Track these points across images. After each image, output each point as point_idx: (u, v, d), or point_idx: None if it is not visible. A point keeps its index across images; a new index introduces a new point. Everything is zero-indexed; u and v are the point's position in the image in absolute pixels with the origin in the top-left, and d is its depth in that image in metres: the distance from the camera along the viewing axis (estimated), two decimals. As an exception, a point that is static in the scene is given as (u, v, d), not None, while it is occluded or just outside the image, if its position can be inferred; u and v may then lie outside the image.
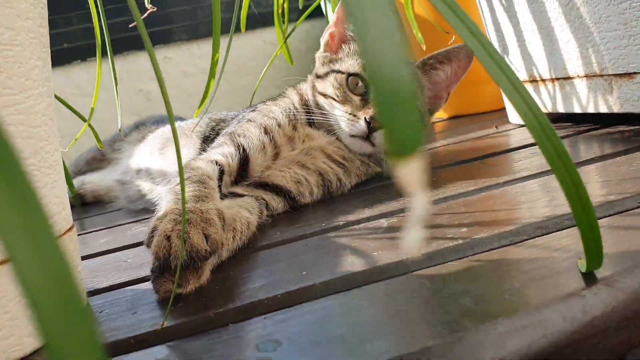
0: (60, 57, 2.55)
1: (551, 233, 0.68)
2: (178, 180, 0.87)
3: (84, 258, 1.00)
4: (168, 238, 0.67)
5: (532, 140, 1.23)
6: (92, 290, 0.79)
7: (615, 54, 1.10)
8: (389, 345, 0.47)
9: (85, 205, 1.67)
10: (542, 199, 0.82)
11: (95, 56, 1.09)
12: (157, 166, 1.31)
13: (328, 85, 1.15)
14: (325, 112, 1.15)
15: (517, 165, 1.05)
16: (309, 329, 0.54)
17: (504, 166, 1.08)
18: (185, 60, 2.83)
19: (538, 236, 0.68)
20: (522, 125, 1.48)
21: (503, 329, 0.47)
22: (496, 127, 1.54)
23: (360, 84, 1.12)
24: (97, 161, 1.79)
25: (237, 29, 2.86)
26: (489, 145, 1.33)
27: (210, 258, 0.72)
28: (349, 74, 1.13)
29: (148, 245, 0.70)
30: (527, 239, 0.68)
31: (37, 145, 0.64)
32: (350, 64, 1.15)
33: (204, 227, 0.70)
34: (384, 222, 0.84)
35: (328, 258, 0.73)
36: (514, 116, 1.53)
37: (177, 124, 1.44)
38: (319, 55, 1.22)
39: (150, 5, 1.11)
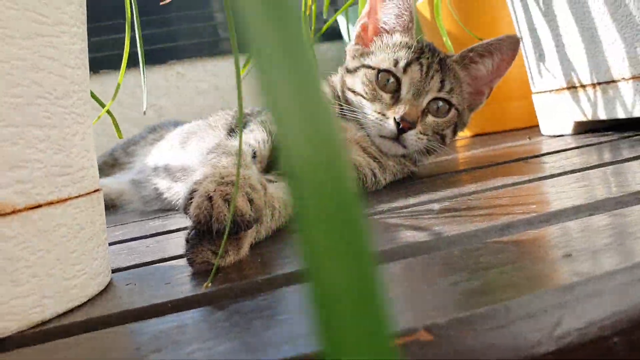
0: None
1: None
2: (210, 157, 0.81)
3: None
4: (210, 199, 0.60)
5: (572, 145, 1.18)
6: (114, 269, 0.71)
7: (668, 52, 1.04)
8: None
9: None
10: (600, 183, 0.75)
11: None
12: (178, 161, 1.24)
13: (357, 81, 1.08)
14: (354, 109, 1.08)
15: (563, 162, 0.99)
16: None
17: (549, 163, 1.01)
18: (199, 77, 2.79)
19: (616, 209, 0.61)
20: (557, 136, 1.42)
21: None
22: (529, 138, 1.48)
23: (391, 80, 1.05)
24: (108, 166, 1.72)
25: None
26: (529, 150, 1.26)
27: (251, 229, 0.65)
28: (380, 70, 1.06)
29: (185, 210, 0.63)
30: (603, 212, 0.61)
31: (69, 87, 0.57)
32: (381, 58, 1.08)
33: (248, 191, 0.63)
34: (435, 206, 0.77)
35: (382, 234, 0.65)
36: (546, 128, 1.47)
37: (199, 120, 1.38)
38: (350, 47, 1.16)
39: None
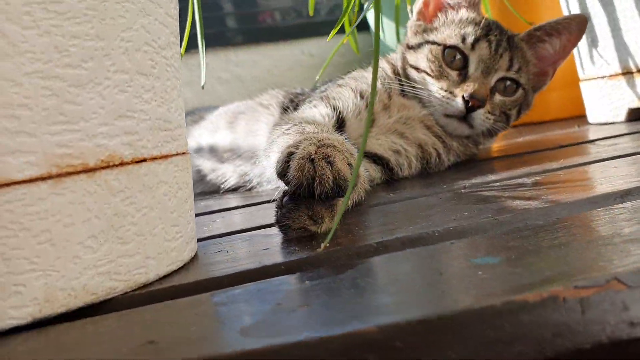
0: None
1: None
2: (287, 127, 0.78)
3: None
4: (312, 161, 0.57)
5: (627, 131, 1.14)
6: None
7: None
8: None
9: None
10: None
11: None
12: (225, 141, 1.21)
13: (421, 58, 1.04)
14: (418, 87, 1.03)
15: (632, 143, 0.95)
16: (529, 244, 0.42)
17: (621, 144, 0.97)
18: (221, 67, 2.76)
19: None
20: (606, 124, 1.39)
21: None
22: (577, 126, 1.45)
23: (458, 56, 1.01)
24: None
25: (277, 39, 2.82)
26: (585, 135, 1.23)
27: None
28: (446, 46, 1.03)
29: (283, 173, 0.60)
30: None
31: (170, 38, 0.54)
32: (447, 34, 1.04)
33: (347, 156, 0.60)
34: (526, 180, 0.74)
35: (483, 204, 0.62)
36: (595, 116, 1.44)
37: (246, 100, 1.34)
38: (411, 23, 1.12)
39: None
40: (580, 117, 1.63)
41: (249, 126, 1.16)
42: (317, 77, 1.48)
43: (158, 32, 0.51)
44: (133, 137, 0.48)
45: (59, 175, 0.43)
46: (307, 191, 0.56)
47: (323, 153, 0.58)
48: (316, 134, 0.64)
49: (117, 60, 0.46)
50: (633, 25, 1.23)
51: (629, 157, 0.80)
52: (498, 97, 1.01)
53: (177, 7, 0.58)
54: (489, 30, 1.02)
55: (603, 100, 1.38)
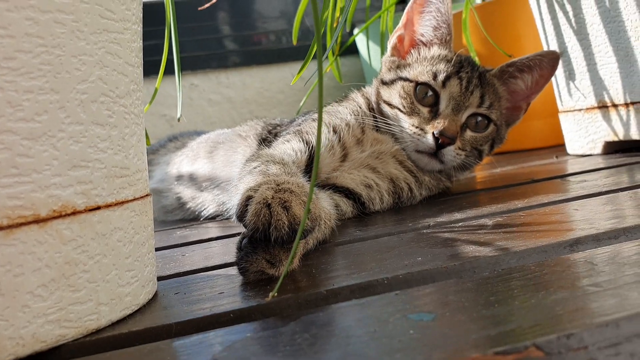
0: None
1: None
2: (254, 164, 0.79)
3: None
4: (268, 206, 0.58)
5: (607, 165, 1.16)
6: (157, 277, 0.69)
7: None
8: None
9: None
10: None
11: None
12: (204, 170, 1.22)
13: (394, 94, 1.06)
14: (391, 123, 1.05)
15: (609, 180, 0.96)
16: (467, 300, 0.44)
17: (590, 181, 0.99)
18: (212, 89, 2.78)
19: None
20: (583, 156, 1.40)
21: None
22: (556, 157, 1.47)
23: (429, 93, 1.03)
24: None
25: (268, 61, 2.84)
26: (561, 168, 1.25)
27: (304, 239, 0.62)
28: (418, 83, 1.04)
29: (241, 217, 0.61)
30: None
31: (129, 86, 0.55)
32: (419, 71, 1.06)
33: (304, 200, 0.61)
34: (487, 221, 0.75)
35: (439, 248, 0.63)
36: (573, 147, 1.46)
37: (226, 129, 1.36)
38: (386, 59, 1.14)
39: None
40: (561, 146, 1.64)
41: (227, 157, 1.17)
42: (301, 103, 1.50)
43: (116, 82, 0.53)
44: (87, 186, 0.49)
45: (9, 227, 0.44)
46: (263, 236, 0.57)
47: (280, 198, 0.59)
48: (277, 177, 0.66)
49: (72, 112, 0.47)
50: (607, 61, 1.26)
51: (592, 198, 0.82)
52: (469, 134, 1.03)
53: (141, 54, 0.60)
54: (460, 67, 1.04)
55: (580, 132, 1.40)
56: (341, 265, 0.62)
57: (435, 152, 0.99)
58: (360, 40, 2.45)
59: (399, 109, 1.03)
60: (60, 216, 0.47)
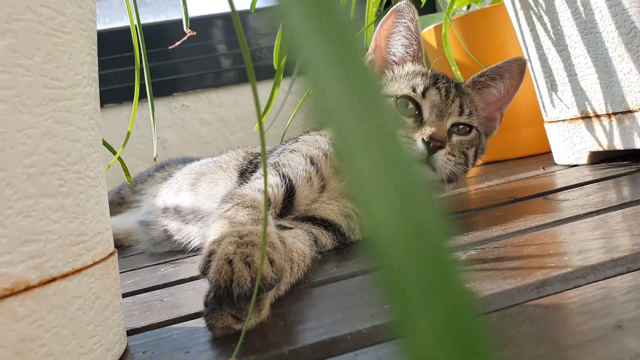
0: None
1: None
2: (226, 207, 0.79)
3: (111, 298, 0.89)
4: (230, 262, 0.57)
5: (589, 178, 1.15)
6: (129, 330, 0.68)
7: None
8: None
9: (102, 250, 1.56)
10: (636, 227, 0.72)
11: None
12: (188, 203, 1.22)
13: None
14: None
15: (589, 198, 0.96)
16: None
17: (570, 201, 0.98)
18: (203, 109, 2.78)
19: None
20: (571, 166, 1.40)
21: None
22: (543, 168, 1.46)
23: (410, 105, 1.06)
24: (115, 205, 1.69)
25: (258, 78, 2.83)
26: (545, 184, 1.24)
27: (272, 289, 0.62)
28: (398, 97, 1.06)
29: (204, 273, 0.60)
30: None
31: (83, 150, 0.55)
32: (397, 87, 1.08)
33: (269, 251, 0.61)
34: (460, 255, 0.74)
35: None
36: (560, 158, 1.45)
37: (209, 159, 1.36)
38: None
39: (189, 30, 1.05)
40: (550, 153, 1.64)
41: (209, 189, 1.17)
42: (287, 125, 1.49)
43: (67, 150, 0.52)
44: (40, 260, 0.49)
45: (-42, 310, 0.43)
46: (226, 292, 0.57)
47: (242, 253, 0.58)
48: (242, 228, 0.65)
49: (19, 187, 0.47)
50: (587, 72, 1.25)
51: (568, 224, 0.81)
52: (455, 138, 1.06)
53: (97, 113, 0.59)
54: (436, 79, 1.06)
55: (566, 142, 1.39)
56: (311, 314, 0.62)
57: (427, 158, 1.00)
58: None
59: None
60: (12, 294, 0.46)
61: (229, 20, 2.83)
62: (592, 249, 0.65)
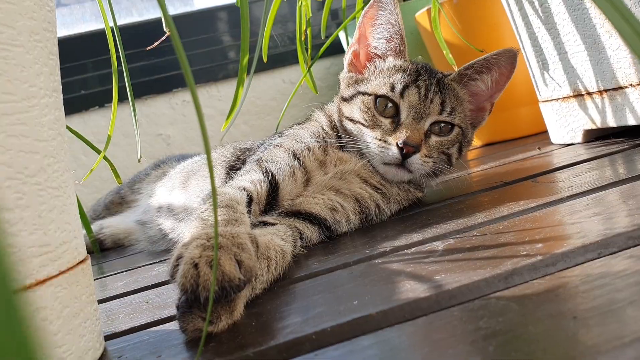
0: (77, 103, 2.52)
1: (649, 244, 0.57)
2: (205, 207, 0.79)
3: (100, 302, 0.90)
4: (195, 266, 0.57)
5: (583, 157, 1.13)
6: (109, 334, 0.69)
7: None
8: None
9: (104, 250, 1.58)
10: (614, 209, 0.71)
11: (108, 103, 1.03)
12: (180, 202, 1.22)
13: (355, 109, 1.05)
14: (355, 139, 1.04)
15: (573, 180, 0.94)
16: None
17: (560, 182, 0.97)
18: (204, 103, 2.78)
19: (628, 248, 0.57)
20: (567, 145, 1.38)
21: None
22: (539, 148, 1.44)
23: (389, 105, 1.02)
24: (116, 205, 1.71)
25: (257, 69, 2.83)
26: (538, 165, 1.22)
27: (244, 290, 0.62)
28: (377, 96, 1.03)
29: (172, 277, 0.61)
30: (617, 251, 0.57)
31: (43, 161, 0.55)
32: (377, 83, 1.05)
33: (236, 252, 0.61)
34: (439, 245, 0.74)
35: (380, 286, 0.62)
36: (556, 137, 1.43)
37: (200, 156, 1.36)
38: (343, 76, 1.13)
39: (167, 29, 1.04)
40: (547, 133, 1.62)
41: (199, 187, 1.17)
42: (281, 116, 1.49)
43: (25, 162, 0.52)
44: None
45: None
46: (193, 297, 0.57)
47: (207, 257, 0.58)
48: (210, 230, 0.65)
49: (-27, 204, 0.47)
50: (577, 49, 1.23)
51: (551, 207, 0.80)
52: (434, 139, 1.02)
53: (58, 123, 0.59)
54: (417, 75, 1.03)
55: (560, 122, 1.37)
56: (283, 313, 0.62)
57: (402, 162, 0.98)
58: (343, 38, 2.43)
59: (361, 123, 1.03)
60: (-29, 309, 0.47)
61: (229, 12, 2.83)
62: (566, 234, 0.64)
